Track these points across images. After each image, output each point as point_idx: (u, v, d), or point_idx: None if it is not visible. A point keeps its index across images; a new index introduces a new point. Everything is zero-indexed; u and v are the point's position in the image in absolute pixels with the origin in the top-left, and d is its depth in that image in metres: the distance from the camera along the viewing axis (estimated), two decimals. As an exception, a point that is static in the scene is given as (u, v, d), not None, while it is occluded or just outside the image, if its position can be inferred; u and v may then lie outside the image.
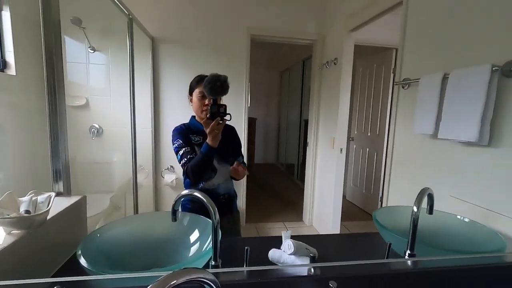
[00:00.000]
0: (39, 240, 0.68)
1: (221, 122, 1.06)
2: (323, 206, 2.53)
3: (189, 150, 1.18)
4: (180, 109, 2.34)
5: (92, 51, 2.16)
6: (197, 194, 0.66)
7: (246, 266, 0.62)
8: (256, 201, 3.41)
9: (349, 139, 3.41)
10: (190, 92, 1.29)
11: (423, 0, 1.36)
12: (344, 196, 3.50)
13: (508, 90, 0.95)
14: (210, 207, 0.64)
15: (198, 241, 0.76)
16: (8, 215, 0.62)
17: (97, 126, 2.18)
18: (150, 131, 2.38)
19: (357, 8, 1.99)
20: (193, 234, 0.78)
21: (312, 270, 0.58)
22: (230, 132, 1.33)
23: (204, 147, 1.11)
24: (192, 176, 1.15)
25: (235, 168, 1.21)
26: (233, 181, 1.36)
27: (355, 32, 2.09)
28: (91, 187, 2.16)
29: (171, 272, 0.37)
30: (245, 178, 2.53)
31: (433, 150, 1.26)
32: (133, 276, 0.51)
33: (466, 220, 0.93)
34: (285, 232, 0.84)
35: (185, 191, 0.67)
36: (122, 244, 0.77)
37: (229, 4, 2.37)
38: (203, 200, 0.65)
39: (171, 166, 2.43)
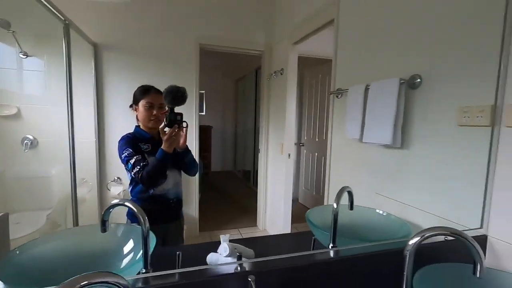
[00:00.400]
0: None
1: (178, 129, 1.14)
2: (275, 210, 2.62)
3: (140, 158, 1.20)
4: (126, 118, 2.25)
5: (25, 57, 1.99)
6: (128, 204, 0.67)
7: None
8: (213, 208, 3.39)
9: (300, 144, 3.59)
10: (135, 102, 1.30)
11: (349, 20, 1.53)
12: (297, 199, 3.65)
13: (413, 100, 1.11)
14: (140, 216, 0.65)
15: (132, 252, 0.76)
16: None
17: (31, 137, 2.01)
18: (94, 141, 2.26)
19: (298, 23, 2.14)
20: (127, 245, 0.78)
21: (239, 267, 0.62)
22: None
23: (159, 154, 1.15)
24: (148, 183, 1.19)
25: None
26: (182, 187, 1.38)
27: (298, 44, 2.24)
28: (24, 204, 1.96)
29: (83, 274, 0.38)
30: (197, 185, 2.52)
31: (361, 153, 1.41)
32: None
33: (384, 213, 1.06)
34: (223, 236, 0.88)
35: (115, 201, 0.67)
36: (50, 260, 0.74)
37: (177, 13, 2.37)
38: (133, 209, 0.66)
39: (118, 178, 2.32)
